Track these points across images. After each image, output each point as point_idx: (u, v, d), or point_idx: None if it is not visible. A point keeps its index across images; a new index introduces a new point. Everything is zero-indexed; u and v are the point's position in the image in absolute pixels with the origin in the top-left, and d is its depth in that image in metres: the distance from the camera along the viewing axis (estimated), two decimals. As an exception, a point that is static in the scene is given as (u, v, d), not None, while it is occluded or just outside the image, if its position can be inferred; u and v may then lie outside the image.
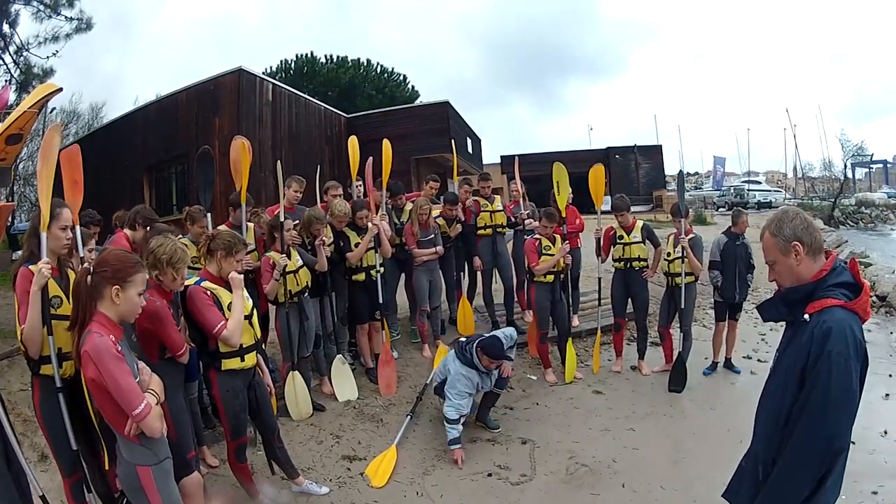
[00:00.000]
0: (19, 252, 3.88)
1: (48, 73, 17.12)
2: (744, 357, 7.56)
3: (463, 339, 5.93)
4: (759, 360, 7.42)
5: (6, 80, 16.25)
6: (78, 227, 4.09)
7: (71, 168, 4.20)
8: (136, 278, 2.79)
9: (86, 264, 2.95)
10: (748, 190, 36.60)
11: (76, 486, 3.53)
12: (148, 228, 5.02)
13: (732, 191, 37.41)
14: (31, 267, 3.28)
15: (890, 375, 6.88)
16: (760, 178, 45.10)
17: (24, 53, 16.97)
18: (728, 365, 7.23)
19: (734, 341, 7.25)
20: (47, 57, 17.09)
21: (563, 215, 7.07)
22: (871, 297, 9.48)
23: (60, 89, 6.38)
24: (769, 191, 37.82)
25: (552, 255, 6.68)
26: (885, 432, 5.45)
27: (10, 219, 9.98)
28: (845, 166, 37.90)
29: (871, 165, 45.51)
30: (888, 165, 52.00)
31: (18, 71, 16.85)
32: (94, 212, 5.91)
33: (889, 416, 5.73)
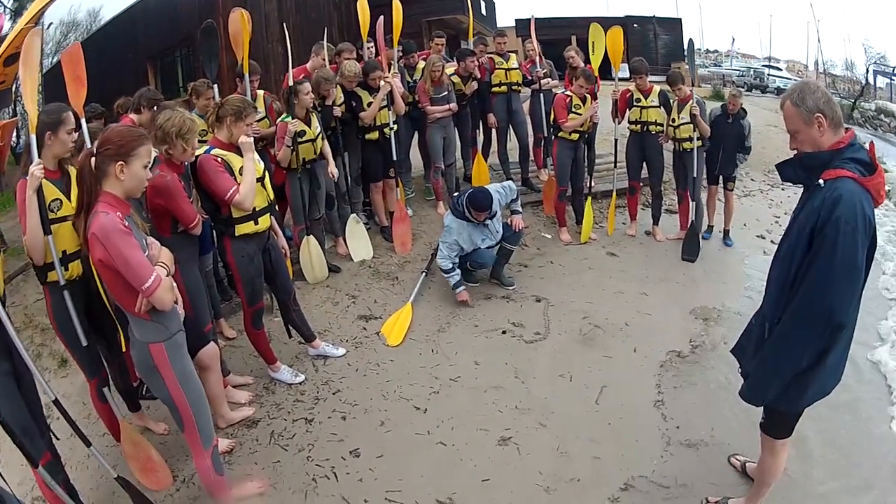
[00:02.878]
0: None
1: None
2: (757, 237, 7.51)
3: (456, 193, 5.92)
4: (771, 242, 7.28)
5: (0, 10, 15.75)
6: (84, 122, 4.01)
7: (73, 65, 4.04)
8: (139, 151, 2.70)
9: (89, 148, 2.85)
10: (768, 74, 35.54)
11: (100, 387, 3.57)
12: (154, 108, 4.88)
13: (752, 73, 36.34)
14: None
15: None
16: (781, 66, 43.80)
17: None
18: (725, 237, 7.19)
19: (731, 213, 7.15)
20: None
21: (597, 76, 6.86)
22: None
23: None
24: (789, 79, 36.69)
25: (580, 114, 6.56)
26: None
27: (14, 137, 9.86)
28: (867, 70, 36.75)
29: (893, 77, 44.11)
30: (911, 79, 50.21)
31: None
32: (97, 105, 5.79)
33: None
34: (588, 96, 6.66)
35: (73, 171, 3.42)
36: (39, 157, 3.25)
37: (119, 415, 3.62)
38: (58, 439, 3.31)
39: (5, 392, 2.91)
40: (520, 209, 5.97)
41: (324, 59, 6.42)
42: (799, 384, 2.60)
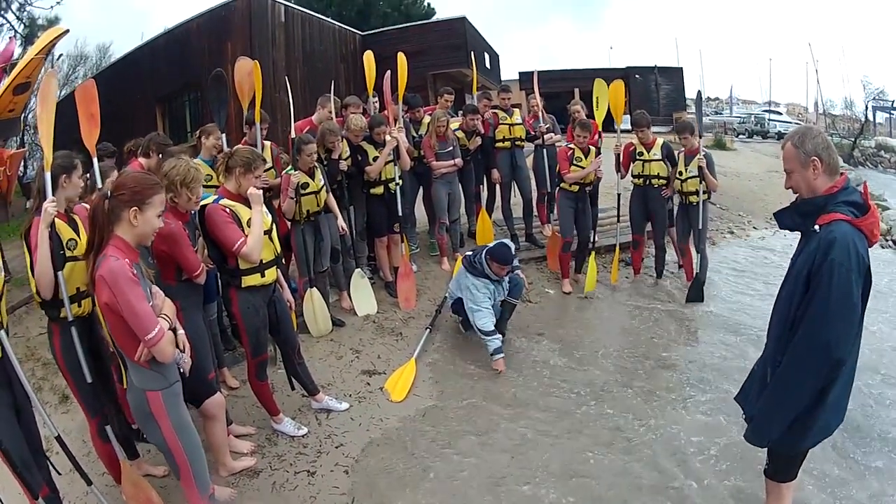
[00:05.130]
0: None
1: (53, 22, 16.67)
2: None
3: (469, 252, 5.93)
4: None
5: (10, 36, 16.01)
6: (96, 161, 4.10)
7: (87, 102, 4.16)
8: (154, 199, 2.75)
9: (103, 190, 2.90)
10: (769, 119, 35.85)
11: (102, 425, 3.56)
12: (161, 154, 4.97)
13: (753, 119, 36.64)
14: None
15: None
16: (781, 109, 44.24)
17: (27, 8, 16.61)
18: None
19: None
20: (51, 7, 16.76)
21: (600, 129, 6.96)
22: (886, 241, 9.63)
23: (66, 31, 6.29)
24: (790, 122, 36.96)
25: (583, 166, 6.64)
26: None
27: (21, 167, 9.97)
28: (867, 107, 37.13)
29: (893, 111, 44.47)
30: (910, 112, 50.56)
31: (22, 26, 16.54)
32: (109, 144, 5.88)
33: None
34: (592, 149, 6.74)
35: (77, 219, 3.51)
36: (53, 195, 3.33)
37: (120, 455, 3.60)
38: (59, 474, 3.31)
39: (6, 423, 2.91)
40: (518, 265, 6.03)
41: (329, 112, 6.51)
42: (802, 424, 2.64)
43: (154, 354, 2.67)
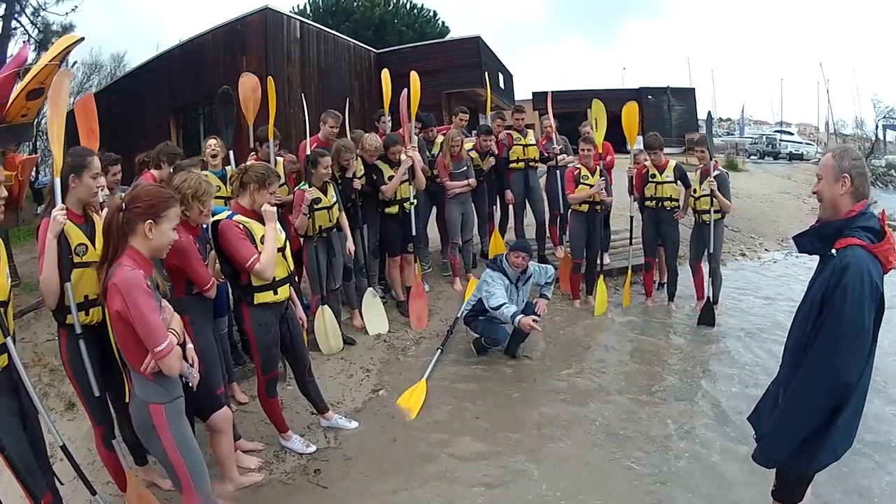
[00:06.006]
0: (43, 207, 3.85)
1: (68, 29, 16.85)
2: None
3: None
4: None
5: (24, 41, 16.17)
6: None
7: (86, 116, 4.13)
8: (169, 213, 2.78)
9: (118, 200, 2.92)
10: (780, 140, 35.80)
11: (106, 434, 3.55)
12: (173, 164, 5.02)
13: (765, 139, 36.59)
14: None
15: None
16: (793, 130, 44.15)
17: (42, 14, 16.78)
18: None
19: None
20: (66, 13, 16.94)
21: (601, 152, 6.96)
22: None
23: (82, 39, 6.33)
24: (801, 143, 36.90)
25: (590, 184, 6.66)
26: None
27: (34, 173, 10.04)
28: (877, 126, 37.15)
29: None
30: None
31: (37, 31, 16.70)
32: (112, 154, 5.93)
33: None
34: (598, 168, 6.77)
35: (97, 220, 3.46)
36: (63, 200, 3.29)
37: (126, 465, 3.59)
38: (62, 483, 3.29)
39: (11, 430, 2.89)
40: (549, 295, 6.06)
41: (332, 128, 6.52)
42: (811, 447, 2.64)
43: (161, 367, 2.68)
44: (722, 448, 4.37)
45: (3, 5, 15.84)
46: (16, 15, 16.08)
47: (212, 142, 5.68)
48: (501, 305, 5.41)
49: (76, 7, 16.98)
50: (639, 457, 4.30)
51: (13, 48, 15.65)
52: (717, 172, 6.59)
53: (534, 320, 5.35)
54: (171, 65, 16.16)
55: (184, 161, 5.18)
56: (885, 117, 37.12)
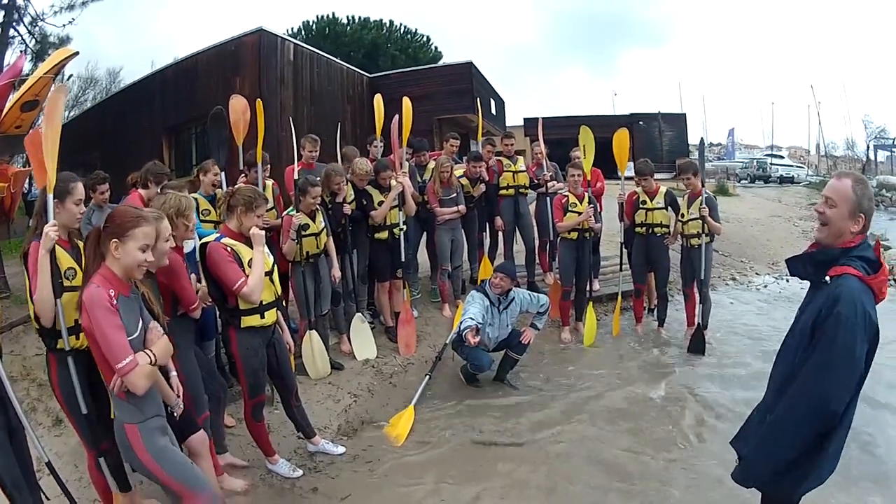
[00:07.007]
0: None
1: (64, 41, 17.00)
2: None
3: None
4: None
5: (21, 51, 16.21)
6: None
7: (35, 151, 4.05)
8: (135, 232, 2.77)
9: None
10: (770, 164, 36.10)
11: (98, 459, 3.50)
12: (160, 184, 4.97)
13: (755, 163, 36.90)
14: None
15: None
16: (783, 153, 44.50)
17: (39, 24, 16.85)
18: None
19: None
20: (63, 25, 17.02)
21: (589, 178, 6.98)
22: (889, 279, 9.61)
23: (76, 53, 6.36)
24: (791, 166, 37.23)
25: (579, 211, 6.67)
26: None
27: (27, 185, 10.05)
28: (868, 147, 37.58)
29: (894, 149, 44.95)
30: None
31: (34, 41, 16.75)
32: (101, 172, 5.91)
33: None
34: (586, 195, 6.79)
35: (81, 245, 3.45)
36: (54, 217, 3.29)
37: (115, 488, 3.55)
38: (48, 499, 3.28)
39: None
40: (540, 326, 6.04)
41: (311, 152, 6.61)
42: (800, 471, 2.61)
43: (126, 384, 2.67)
44: (715, 478, 4.33)
45: (2, 12, 15.90)
46: (14, 24, 16.13)
47: (216, 168, 5.63)
48: (467, 327, 5.37)
49: (73, 20, 17.11)
50: (626, 488, 4.27)
51: (10, 57, 15.68)
52: (705, 196, 6.61)
53: (473, 335, 5.30)
54: (164, 83, 16.18)
55: (171, 182, 5.16)
56: (876, 137, 37.56)
